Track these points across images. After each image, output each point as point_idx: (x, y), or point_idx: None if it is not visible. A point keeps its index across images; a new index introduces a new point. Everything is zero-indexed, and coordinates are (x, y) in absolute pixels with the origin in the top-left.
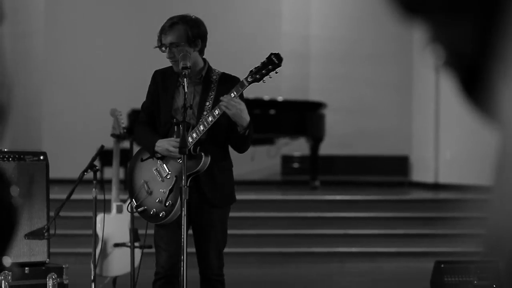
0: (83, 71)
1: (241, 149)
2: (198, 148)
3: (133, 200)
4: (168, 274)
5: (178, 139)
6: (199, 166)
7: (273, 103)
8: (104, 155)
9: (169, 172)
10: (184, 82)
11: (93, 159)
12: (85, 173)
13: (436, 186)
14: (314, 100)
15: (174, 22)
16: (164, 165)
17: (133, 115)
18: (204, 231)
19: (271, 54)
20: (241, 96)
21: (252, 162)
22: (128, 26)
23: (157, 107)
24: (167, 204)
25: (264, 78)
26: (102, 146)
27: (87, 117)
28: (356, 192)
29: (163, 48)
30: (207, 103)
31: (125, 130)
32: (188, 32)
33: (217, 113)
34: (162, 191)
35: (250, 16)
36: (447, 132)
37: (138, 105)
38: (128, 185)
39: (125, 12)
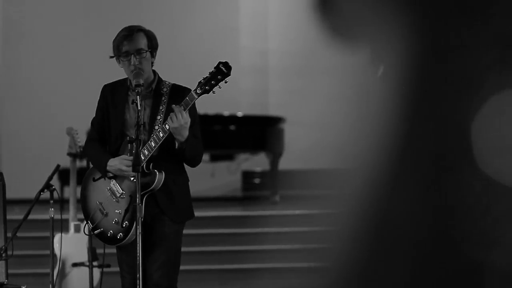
0: (40, 91)
1: (189, 164)
2: (151, 165)
3: (89, 222)
4: None
5: (131, 157)
6: (154, 184)
7: (233, 118)
8: (63, 175)
9: (123, 192)
10: (137, 100)
11: (49, 179)
12: (41, 193)
13: None
14: (273, 115)
15: (139, 29)
16: (118, 184)
17: None
18: (154, 245)
19: (219, 63)
20: (192, 107)
21: (213, 179)
22: (85, 45)
23: (108, 122)
24: (124, 225)
25: (214, 89)
26: (58, 166)
27: (45, 136)
28: (316, 206)
29: (122, 58)
30: (158, 117)
31: (81, 149)
32: (152, 41)
33: (167, 128)
34: (118, 211)
35: (208, 30)
36: None
37: None
38: (82, 207)
39: (82, 31)
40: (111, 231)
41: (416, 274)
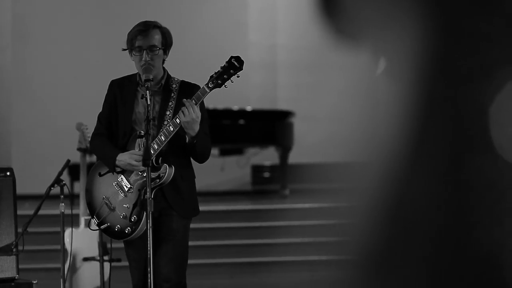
0: (50, 86)
1: (197, 159)
2: (160, 159)
3: (95, 217)
4: None
5: (140, 152)
6: (164, 178)
7: (242, 113)
8: (73, 170)
9: (131, 186)
10: (146, 95)
11: (59, 174)
12: (52, 188)
13: None
14: (283, 109)
15: (155, 25)
16: (125, 179)
17: None
18: (163, 240)
19: (231, 57)
20: (201, 104)
21: (222, 173)
22: (94, 42)
23: (115, 118)
24: (132, 220)
25: (226, 83)
26: (68, 161)
27: (54, 132)
28: (325, 200)
29: (135, 52)
30: (167, 113)
31: None
32: (166, 39)
33: (178, 122)
34: (126, 206)
35: (217, 26)
36: None
37: None
38: (88, 202)
39: (91, 28)
40: (118, 225)
41: (432, 264)
